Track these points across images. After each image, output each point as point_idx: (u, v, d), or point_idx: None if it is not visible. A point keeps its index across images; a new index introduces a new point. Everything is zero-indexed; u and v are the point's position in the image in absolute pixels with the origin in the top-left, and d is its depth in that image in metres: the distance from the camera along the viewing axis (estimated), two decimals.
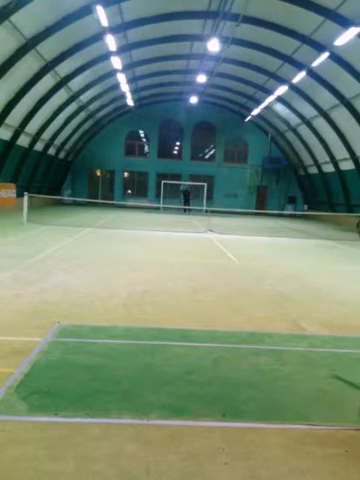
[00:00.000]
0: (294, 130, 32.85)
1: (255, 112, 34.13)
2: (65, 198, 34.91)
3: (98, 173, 39.44)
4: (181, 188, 36.16)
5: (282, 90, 26.92)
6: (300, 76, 23.91)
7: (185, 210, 32.37)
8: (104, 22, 18.15)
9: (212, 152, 40.03)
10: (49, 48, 20.04)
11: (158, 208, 33.73)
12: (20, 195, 21.84)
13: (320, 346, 5.09)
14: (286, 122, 33.30)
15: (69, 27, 18.90)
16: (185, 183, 37.35)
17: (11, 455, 2.77)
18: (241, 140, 39.00)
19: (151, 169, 38.76)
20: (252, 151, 38.85)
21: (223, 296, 7.31)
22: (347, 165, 27.16)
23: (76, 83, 25.48)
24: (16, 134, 23.23)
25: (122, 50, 23.33)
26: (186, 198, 34.27)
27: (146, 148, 39.75)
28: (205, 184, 35.46)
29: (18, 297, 6.46)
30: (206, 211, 30.00)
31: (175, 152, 40.03)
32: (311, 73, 23.54)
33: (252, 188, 38.99)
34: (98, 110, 32.93)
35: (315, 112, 27.46)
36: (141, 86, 32.02)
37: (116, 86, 29.01)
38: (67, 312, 5.86)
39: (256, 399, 3.71)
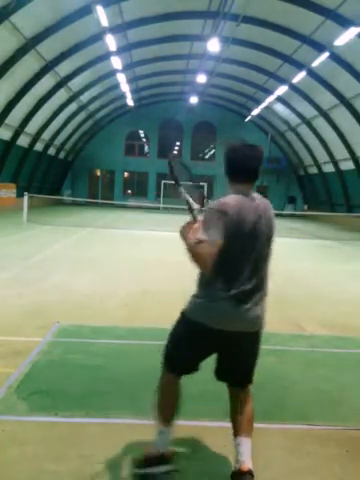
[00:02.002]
0: (294, 130, 32.85)
1: (255, 112, 34.12)
2: (65, 198, 34.90)
3: (98, 173, 39.44)
4: (198, 191, 35.95)
5: (282, 90, 26.92)
6: (300, 76, 23.92)
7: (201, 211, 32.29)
8: (104, 22, 18.16)
9: (212, 152, 40.02)
10: (49, 48, 20.04)
11: (158, 208, 33.72)
12: (20, 195, 21.84)
13: (320, 346, 5.09)
14: (286, 122, 33.29)
15: (69, 27, 18.91)
16: (185, 183, 37.25)
17: (11, 455, 2.77)
18: (241, 140, 38.93)
19: (151, 169, 38.76)
20: None
21: None
22: (347, 165, 27.16)
23: (76, 83, 25.48)
24: (16, 134, 23.25)
25: (122, 50, 23.34)
26: (201, 199, 34.30)
27: (146, 148, 39.76)
28: (205, 184, 35.44)
29: (18, 297, 6.46)
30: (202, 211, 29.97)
31: (175, 152, 40.04)
32: (311, 73, 23.54)
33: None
34: (98, 110, 32.94)
35: (315, 112, 27.46)
36: (141, 86, 32.02)
37: (116, 86, 29.01)
38: (67, 312, 5.86)
39: (256, 399, 3.69)
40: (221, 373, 2.70)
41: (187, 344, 2.57)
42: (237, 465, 2.50)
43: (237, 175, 2.54)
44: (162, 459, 2.59)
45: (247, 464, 2.47)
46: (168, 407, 2.66)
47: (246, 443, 2.54)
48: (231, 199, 2.47)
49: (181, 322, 2.60)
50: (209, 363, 3.13)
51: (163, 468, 2.59)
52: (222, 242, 2.35)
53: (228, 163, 2.57)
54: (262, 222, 2.48)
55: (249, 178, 2.54)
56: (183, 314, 2.59)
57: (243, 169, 2.53)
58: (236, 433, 2.59)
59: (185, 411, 3.45)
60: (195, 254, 2.34)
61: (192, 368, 2.65)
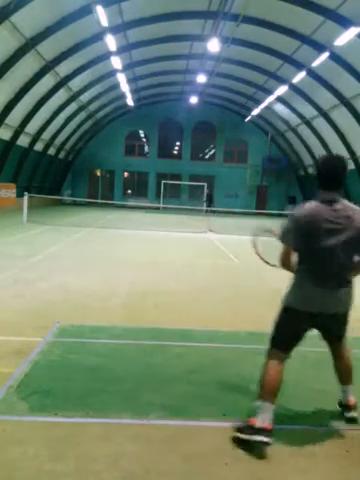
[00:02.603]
0: (294, 130, 32.85)
1: (255, 112, 34.12)
2: (65, 198, 34.90)
3: (98, 173, 39.43)
4: (205, 192, 35.83)
5: (282, 90, 26.92)
6: (300, 76, 23.93)
7: (207, 211, 32.18)
8: (104, 22, 18.16)
9: (212, 152, 40.01)
10: (49, 48, 20.04)
11: (158, 208, 33.72)
12: (20, 195, 21.84)
13: (320, 346, 5.07)
14: (286, 122, 33.29)
15: (69, 27, 18.91)
16: (186, 183, 37.31)
17: (11, 455, 2.77)
18: (241, 140, 38.98)
19: (151, 169, 38.75)
20: (252, 151, 38.83)
21: (223, 296, 7.31)
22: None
23: (76, 83, 25.48)
24: (16, 134, 23.24)
25: (122, 50, 23.34)
26: (209, 200, 34.43)
27: (146, 148, 39.74)
28: (205, 184, 35.45)
29: (18, 297, 6.46)
30: (206, 211, 30.02)
31: (175, 152, 40.02)
32: (311, 73, 23.55)
33: (252, 188, 38.97)
34: (98, 110, 32.93)
35: (315, 112, 27.46)
36: (141, 86, 32.01)
37: (116, 86, 29.01)
38: (67, 312, 5.86)
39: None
40: (321, 334, 3.30)
41: (287, 327, 3.11)
42: (344, 401, 3.33)
43: (322, 184, 3.01)
44: (262, 430, 2.90)
45: (353, 400, 3.30)
46: (273, 384, 3.05)
47: (349, 389, 3.33)
48: (303, 207, 3.04)
49: (281, 308, 3.17)
50: (209, 365, 3.17)
51: (260, 437, 2.88)
52: (294, 242, 3.00)
53: (318, 174, 3.03)
54: (340, 227, 2.91)
55: (331, 186, 2.98)
56: (282, 302, 3.16)
57: (327, 178, 2.97)
58: (341, 382, 3.37)
59: (185, 411, 3.46)
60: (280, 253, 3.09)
61: (294, 345, 3.16)
